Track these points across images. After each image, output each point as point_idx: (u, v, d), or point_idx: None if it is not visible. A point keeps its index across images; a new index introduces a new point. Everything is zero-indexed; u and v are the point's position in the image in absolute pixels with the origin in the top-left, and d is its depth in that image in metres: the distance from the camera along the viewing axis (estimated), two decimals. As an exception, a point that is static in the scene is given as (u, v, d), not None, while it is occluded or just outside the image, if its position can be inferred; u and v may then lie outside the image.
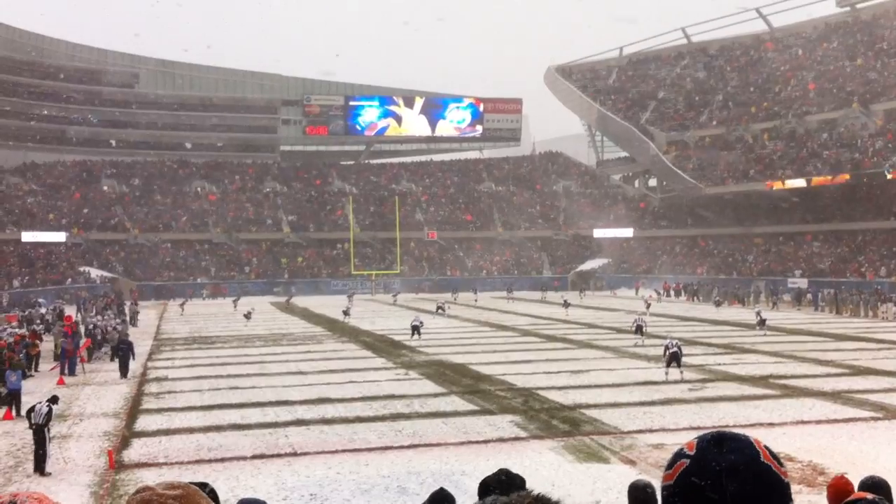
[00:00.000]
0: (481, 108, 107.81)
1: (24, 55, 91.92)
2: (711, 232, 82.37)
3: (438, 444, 17.67)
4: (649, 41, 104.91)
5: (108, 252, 79.68)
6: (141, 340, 39.31)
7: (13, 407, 22.19)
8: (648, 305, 53.03)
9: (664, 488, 1.70)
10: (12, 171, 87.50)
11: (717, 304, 57.61)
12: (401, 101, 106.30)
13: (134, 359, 31.23)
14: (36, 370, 30.46)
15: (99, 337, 35.70)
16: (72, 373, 29.66)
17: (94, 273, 73.80)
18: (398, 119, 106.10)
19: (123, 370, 29.20)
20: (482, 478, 4.01)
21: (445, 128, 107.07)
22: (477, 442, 17.85)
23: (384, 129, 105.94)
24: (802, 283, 63.94)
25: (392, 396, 23.47)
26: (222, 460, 16.68)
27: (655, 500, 6.03)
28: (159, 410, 22.36)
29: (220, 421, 20.47)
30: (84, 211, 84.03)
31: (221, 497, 3.33)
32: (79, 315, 48.85)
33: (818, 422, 19.27)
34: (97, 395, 25.50)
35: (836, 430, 18.44)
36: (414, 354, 33.37)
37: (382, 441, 18.05)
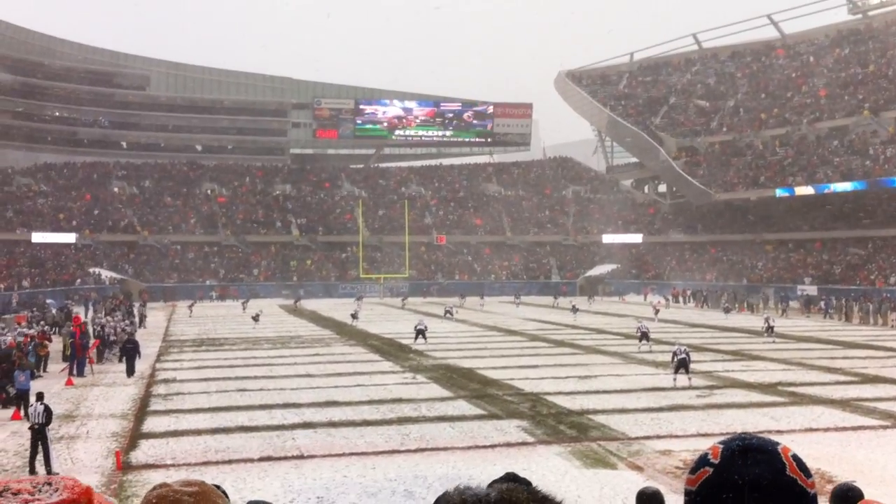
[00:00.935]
0: (491, 112, 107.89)
1: (35, 57, 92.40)
2: (721, 238, 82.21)
3: (445, 449, 17.64)
4: (660, 47, 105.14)
5: (118, 253, 79.92)
6: (149, 342, 39.41)
7: (21, 407, 22.25)
8: (657, 312, 52.92)
9: (687, 493, 1.69)
10: (23, 173, 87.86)
11: (726, 310, 57.46)
12: (411, 105, 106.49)
13: (140, 358, 31.43)
14: (45, 371, 30.53)
15: (108, 338, 35.78)
16: (80, 373, 29.74)
17: (104, 274, 74.03)
18: (408, 123, 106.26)
19: (130, 369, 29.81)
20: (489, 482, 4.01)
21: (455, 132, 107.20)
22: (484, 446, 17.82)
23: (394, 132, 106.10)
24: (812, 290, 63.79)
25: (399, 400, 23.46)
26: (229, 462, 16.70)
27: (663, 507, 6.02)
28: (167, 412, 22.39)
29: (227, 423, 20.49)
30: (94, 212, 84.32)
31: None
32: (88, 316, 49.01)
33: (827, 430, 19.20)
34: (105, 395, 25.55)
35: (845, 438, 18.37)
36: (421, 358, 33.36)
37: (389, 444, 18.04)
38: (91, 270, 73.83)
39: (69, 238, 77.90)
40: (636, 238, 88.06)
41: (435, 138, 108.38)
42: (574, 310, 54.07)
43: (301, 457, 17.07)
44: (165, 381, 28.14)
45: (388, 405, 22.68)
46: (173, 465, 16.51)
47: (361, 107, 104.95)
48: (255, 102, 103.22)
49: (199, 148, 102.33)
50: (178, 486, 1.77)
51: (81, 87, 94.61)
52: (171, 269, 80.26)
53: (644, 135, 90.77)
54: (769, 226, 78.03)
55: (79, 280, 71.00)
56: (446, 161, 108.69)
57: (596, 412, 21.32)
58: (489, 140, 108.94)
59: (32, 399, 18.83)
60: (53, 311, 51.77)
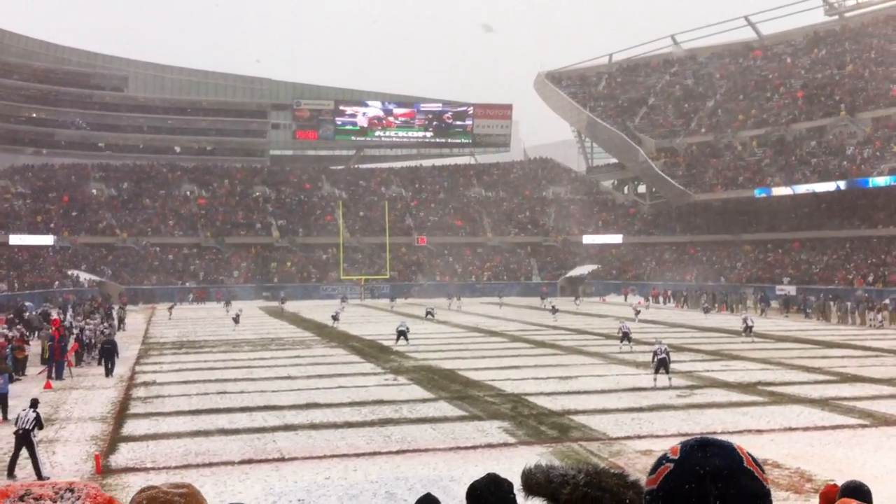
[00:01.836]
0: (471, 113, 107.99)
1: (12, 57, 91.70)
2: (700, 239, 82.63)
3: (427, 450, 17.65)
4: (639, 48, 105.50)
5: (96, 256, 79.37)
6: (129, 344, 39.21)
7: (0, 411, 22.08)
8: (637, 312, 53.11)
9: (647, 493, 1.71)
10: (0, 174, 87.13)
11: (706, 310, 57.75)
12: (391, 106, 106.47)
13: (118, 359, 31.45)
14: (23, 374, 30.30)
15: (87, 341, 35.55)
16: (59, 377, 29.53)
17: (82, 277, 73.48)
18: (388, 124, 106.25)
19: (108, 371, 30.04)
20: (470, 483, 4.02)
21: (435, 133, 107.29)
22: (465, 448, 17.84)
23: (374, 133, 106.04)
24: (791, 290, 64.19)
25: (381, 402, 23.44)
26: (210, 465, 16.63)
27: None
28: (147, 415, 22.27)
29: (207, 425, 20.40)
30: (72, 214, 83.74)
31: (210, 502, 3.32)
32: (67, 319, 48.65)
33: (806, 429, 19.33)
34: (84, 399, 25.39)
35: (824, 437, 18.51)
36: (403, 360, 33.34)
37: (371, 446, 18.02)
38: (69, 273, 73.26)
39: (47, 240, 77.30)
40: (616, 239, 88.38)
41: (415, 139, 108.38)
42: (553, 311, 54.17)
43: (282, 459, 17.02)
44: (145, 383, 27.99)
45: (370, 407, 22.66)
46: (153, 469, 16.42)
47: (341, 108, 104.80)
48: (234, 104, 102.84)
49: (177, 149, 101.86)
50: (167, 488, 1.77)
51: (59, 89, 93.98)
52: (150, 271, 79.79)
53: (623, 135, 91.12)
54: (748, 226, 78.50)
55: (57, 282, 70.41)
56: (427, 162, 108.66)
57: (577, 413, 21.38)
58: (469, 141, 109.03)
59: (13, 402, 18.72)
60: (31, 313, 51.34)
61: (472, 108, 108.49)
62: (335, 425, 20.27)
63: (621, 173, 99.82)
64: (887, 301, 52.28)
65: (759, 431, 18.82)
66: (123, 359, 32.89)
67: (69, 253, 78.08)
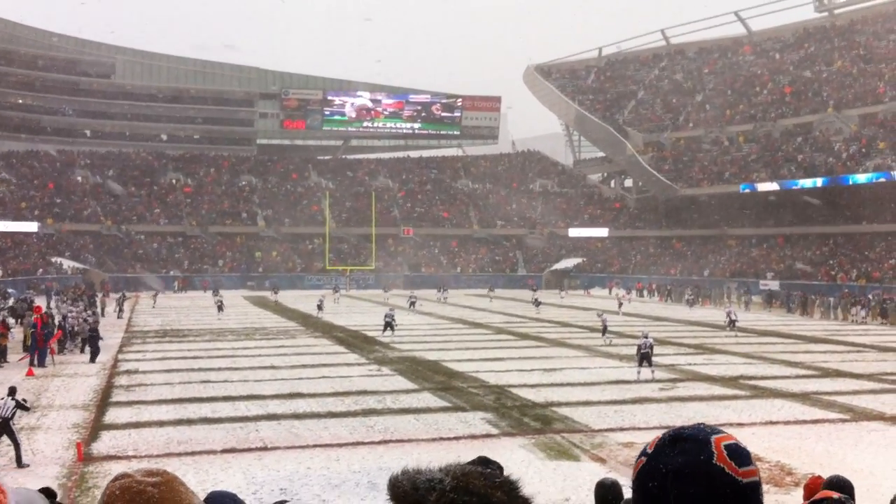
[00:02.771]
0: (460, 104, 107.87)
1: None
2: (685, 233, 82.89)
3: (410, 441, 17.66)
4: (628, 42, 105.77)
5: (81, 243, 79.04)
6: (112, 333, 39.04)
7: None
8: (620, 305, 53.31)
9: (631, 483, 1.70)
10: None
11: (690, 304, 57.96)
12: (379, 97, 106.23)
13: (102, 339, 31.91)
14: (5, 361, 30.16)
15: (70, 328, 35.40)
16: (41, 364, 29.40)
17: (66, 264, 73.18)
18: (376, 114, 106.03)
19: (94, 356, 30.63)
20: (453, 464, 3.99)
21: (423, 124, 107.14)
22: (448, 438, 17.86)
23: (362, 124, 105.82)
24: (774, 285, 64.47)
25: (364, 392, 23.43)
26: (192, 454, 16.59)
27: (621, 498, 6.06)
28: (129, 403, 22.19)
29: (190, 414, 20.35)
30: (57, 201, 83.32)
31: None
32: (52, 306, 48.42)
33: (787, 422, 19.44)
34: (66, 386, 25.28)
35: (805, 430, 18.61)
36: (387, 350, 33.35)
37: (354, 436, 18.02)
38: (53, 260, 72.95)
39: (31, 227, 76.94)
40: (602, 232, 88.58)
41: (403, 130, 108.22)
42: (536, 303, 54.25)
43: (264, 448, 17.00)
44: (128, 372, 27.90)
45: (353, 397, 22.65)
46: (135, 457, 16.37)
47: (330, 98, 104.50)
48: (222, 92, 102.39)
49: (164, 137, 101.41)
50: (140, 477, 1.71)
51: (45, 75, 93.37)
52: (134, 259, 79.51)
53: (611, 129, 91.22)
54: (733, 221, 78.75)
55: (41, 270, 70.11)
56: (414, 153, 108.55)
57: (560, 405, 21.43)
58: (457, 132, 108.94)
59: (1, 391, 18.56)
60: (15, 300, 51.07)
61: (461, 99, 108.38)
62: (318, 415, 20.25)
63: (609, 167, 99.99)
64: (870, 297, 52.59)
65: (741, 425, 18.89)
66: (106, 347, 32.77)
67: (53, 240, 77.74)
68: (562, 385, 24.67)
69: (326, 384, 24.85)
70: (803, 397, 22.64)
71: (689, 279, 71.10)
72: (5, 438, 16.37)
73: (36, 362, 29.32)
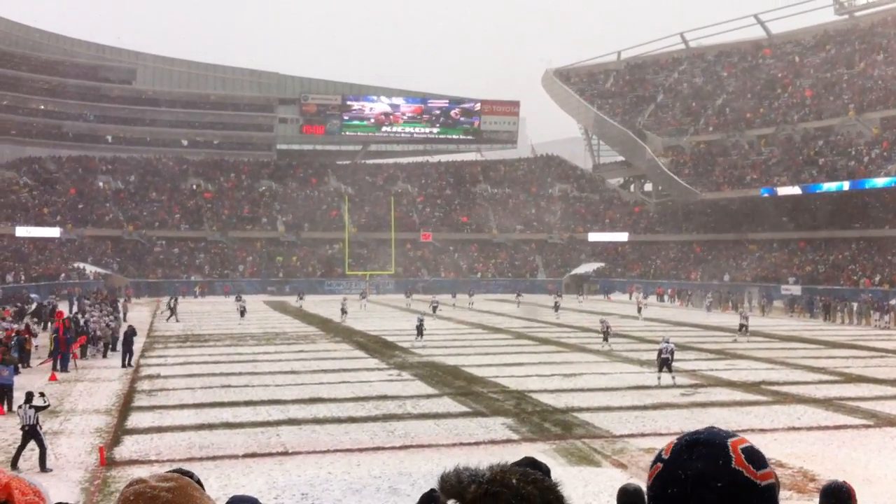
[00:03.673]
0: (479, 109, 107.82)
1: (21, 49, 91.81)
2: (706, 238, 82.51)
3: (430, 446, 17.67)
4: (648, 46, 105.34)
5: (102, 248, 79.54)
6: (134, 338, 39.19)
7: (5, 402, 22.15)
8: (640, 309, 53.18)
9: (647, 489, 1.71)
10: (7, 166, 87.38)
11: (708, 308, 57.71)
12: (398, 102, 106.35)
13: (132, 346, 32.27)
14: (28, 365, 30.40)
15: (92, 333, 35.66)
16: (64, 369, 29.61)
17: (88, 269, 73.65)
18: (395, 119, 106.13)
19: (128, 359, 31.24)
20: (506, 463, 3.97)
21: (442, 129, 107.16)
22: (468, 444, 17.85)
23: (381, 129, 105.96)
24: (796, 289, 64.07)
25: (384, 397, 23.47)
26: (214, 458, 16.67)
27: (645, 504, 6.05)
28: (151, 408, 22.33)
29: (212, 419, 20.45)
30: (79, 206, 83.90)
31: (213, 496, 3.33)
32: (78, 313, 48.75)
33: (809, 428, 19.32)
34: (89, 391, 25.45)
35: (827, 436, 18.49)
36: (407, 355, 33.38)
37: (374, 441, 18.05)
38: (75, 265, 73.44)
39: (53, 232, 77.48)
40: (622, 236, 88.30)
41: (422, 135, 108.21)
42: (556, 307, 54.15)
43: (285, 453, 17.06)
44: (150, 376, 28.06)
45: (373, 402, 22.69)
46: (157, 461, 16.47)
47: (349, 103, 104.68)
48: (241, 97, 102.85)
49: (184, 143, 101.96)
50: (154, 482, 1.74)
51: (67, 81, 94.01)
52: (155, 264, 79.95)
53: (630, 133, 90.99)
54: (754, 225, 78.30)
55: (63, 275, 70.59)
56: (433, 158, 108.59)
57: (580, 410, 21.39)
58: (476, 137, 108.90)
59: (19, 395, 18.75)
60: (34, 305, 51.45)
61: (479, 104, 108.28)
62: (339, 420, 20.30)
63: (628, 171, 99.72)
64: (893, 302, 52.15)
65: (763, 431, 18.80)
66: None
67: (75, 245, 78.26)
68: (582, 390, 24.62)
69: (347, 389, 24.90)
70: (826, 403, 22.50)
71: (710, 284, 70.73)
72: (32, 443, 16.50)
73: (59, 367, 29.54)
